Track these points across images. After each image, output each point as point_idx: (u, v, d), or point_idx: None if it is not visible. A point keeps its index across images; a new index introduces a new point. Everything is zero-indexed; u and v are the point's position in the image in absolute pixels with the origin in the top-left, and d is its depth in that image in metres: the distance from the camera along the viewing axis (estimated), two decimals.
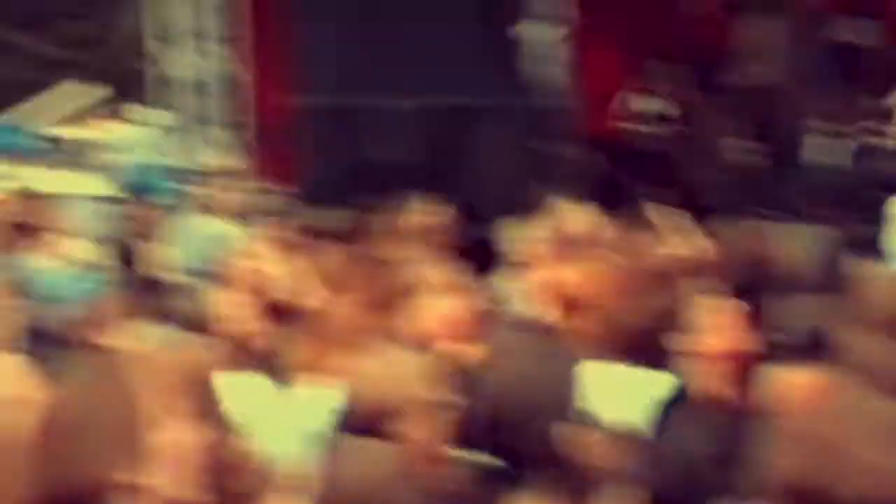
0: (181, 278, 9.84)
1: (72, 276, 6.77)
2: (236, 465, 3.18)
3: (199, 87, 14.05)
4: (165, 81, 14.15)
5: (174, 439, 2.78)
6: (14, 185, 10.96)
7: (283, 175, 12.70)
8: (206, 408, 3.00)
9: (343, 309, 4.86)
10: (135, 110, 19.30)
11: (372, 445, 3.51)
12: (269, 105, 13.54)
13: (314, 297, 5.01)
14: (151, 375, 2.79)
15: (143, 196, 12.11)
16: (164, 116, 15.08)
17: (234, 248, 7.58)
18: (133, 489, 2.63)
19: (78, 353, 2.81)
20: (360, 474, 3.44)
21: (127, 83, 33.56)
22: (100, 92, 34.01)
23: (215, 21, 13.83)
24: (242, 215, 11.11)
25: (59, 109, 33.99)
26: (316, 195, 10.77)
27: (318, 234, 7.72)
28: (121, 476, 2.61)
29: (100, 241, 9.63)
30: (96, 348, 2.89)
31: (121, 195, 14.18)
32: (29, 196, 10.32)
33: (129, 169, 16.27)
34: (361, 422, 3.67)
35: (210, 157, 13.86)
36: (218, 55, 13.89)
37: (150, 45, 14.03)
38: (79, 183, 14.87)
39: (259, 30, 13.65)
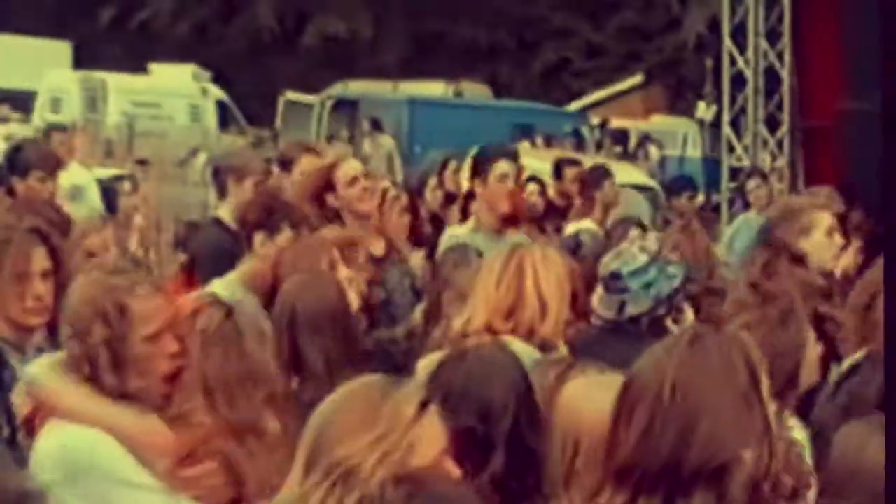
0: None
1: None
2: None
3: (746, 84, 14.07)
4: (722, 78, 14.27)
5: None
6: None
7: (822, 178, 12.49)
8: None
9: None
10: (692, 105, 19.39)
11: None
12: (815, 106, 13.32)
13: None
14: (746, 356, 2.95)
15: (683, 189, 11.80)
16: (711, 112, 15.24)
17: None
18: (746, 464, 2.79)
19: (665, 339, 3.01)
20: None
21: (686, 78, 34.08)
22: (637, 82, 34.59)
23: (761, 17, 13.86)
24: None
25: (619, 103, 34.87)
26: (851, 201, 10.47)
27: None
28: (742, 452, 2.78)
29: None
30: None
31: (661, 186, 14.50)
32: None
33: (672, 161, 16.45)
34: None
35: (752, 155, 13.96)
36: (764, 52, 13.89)
37: (725, 42, 14.13)
38: (625, 172, 15.20)
39: (807, 28, 13.45)
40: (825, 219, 5.95)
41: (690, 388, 2.82)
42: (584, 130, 27.11)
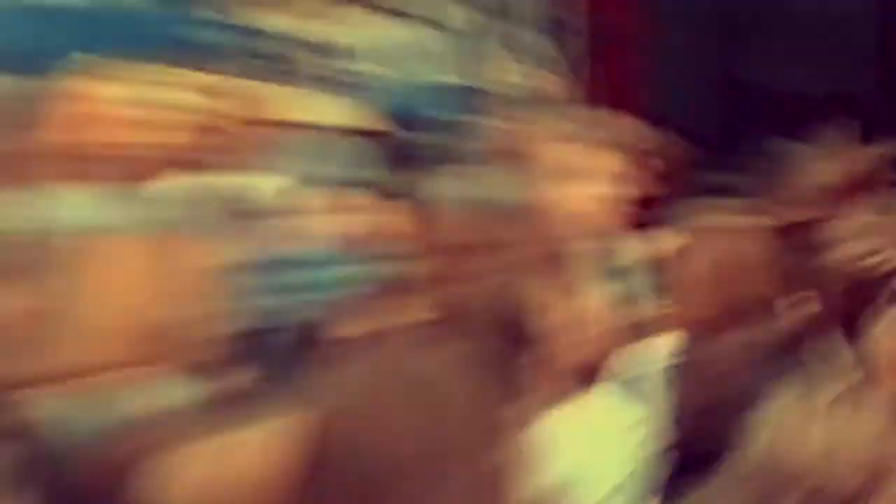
0: None
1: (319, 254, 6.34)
2: None
3: None
4: None
5: None
6: (205, 104, 7.85)
7: (618, 102, 10.45)
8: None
9: None
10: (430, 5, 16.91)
11: None
12: (607, 5, 11.67)
13: None
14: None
15: (412, 129, 9.67)
16: (449, 14, 11.98)
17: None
18: None
19: None
20: None
21: None
22: None
23: None
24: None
25: None
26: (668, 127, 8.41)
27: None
28: None
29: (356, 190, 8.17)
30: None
31: (379, 127, 11.05)
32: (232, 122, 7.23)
33: (390, 88, 13.52)
34: None
35: (515, 74, 11.27)
36: None
37: None
38: (310, 107, 11.78)
39: None
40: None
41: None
42: (207, 34, 23.73)
